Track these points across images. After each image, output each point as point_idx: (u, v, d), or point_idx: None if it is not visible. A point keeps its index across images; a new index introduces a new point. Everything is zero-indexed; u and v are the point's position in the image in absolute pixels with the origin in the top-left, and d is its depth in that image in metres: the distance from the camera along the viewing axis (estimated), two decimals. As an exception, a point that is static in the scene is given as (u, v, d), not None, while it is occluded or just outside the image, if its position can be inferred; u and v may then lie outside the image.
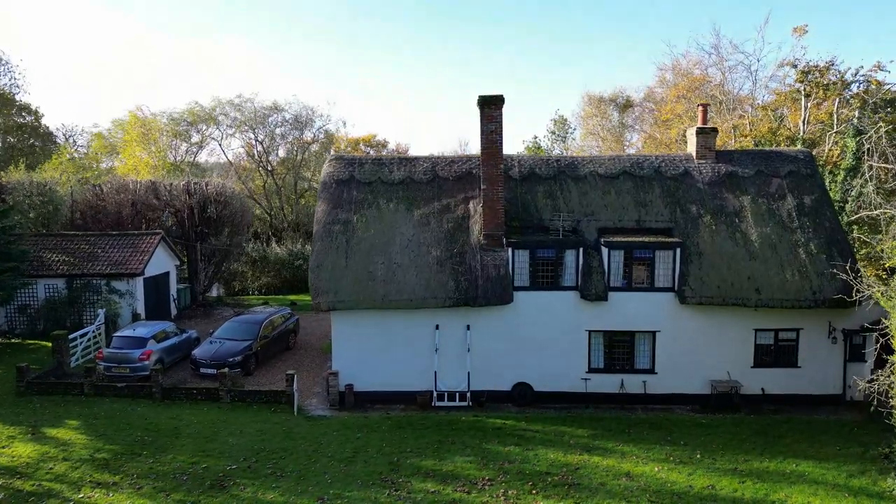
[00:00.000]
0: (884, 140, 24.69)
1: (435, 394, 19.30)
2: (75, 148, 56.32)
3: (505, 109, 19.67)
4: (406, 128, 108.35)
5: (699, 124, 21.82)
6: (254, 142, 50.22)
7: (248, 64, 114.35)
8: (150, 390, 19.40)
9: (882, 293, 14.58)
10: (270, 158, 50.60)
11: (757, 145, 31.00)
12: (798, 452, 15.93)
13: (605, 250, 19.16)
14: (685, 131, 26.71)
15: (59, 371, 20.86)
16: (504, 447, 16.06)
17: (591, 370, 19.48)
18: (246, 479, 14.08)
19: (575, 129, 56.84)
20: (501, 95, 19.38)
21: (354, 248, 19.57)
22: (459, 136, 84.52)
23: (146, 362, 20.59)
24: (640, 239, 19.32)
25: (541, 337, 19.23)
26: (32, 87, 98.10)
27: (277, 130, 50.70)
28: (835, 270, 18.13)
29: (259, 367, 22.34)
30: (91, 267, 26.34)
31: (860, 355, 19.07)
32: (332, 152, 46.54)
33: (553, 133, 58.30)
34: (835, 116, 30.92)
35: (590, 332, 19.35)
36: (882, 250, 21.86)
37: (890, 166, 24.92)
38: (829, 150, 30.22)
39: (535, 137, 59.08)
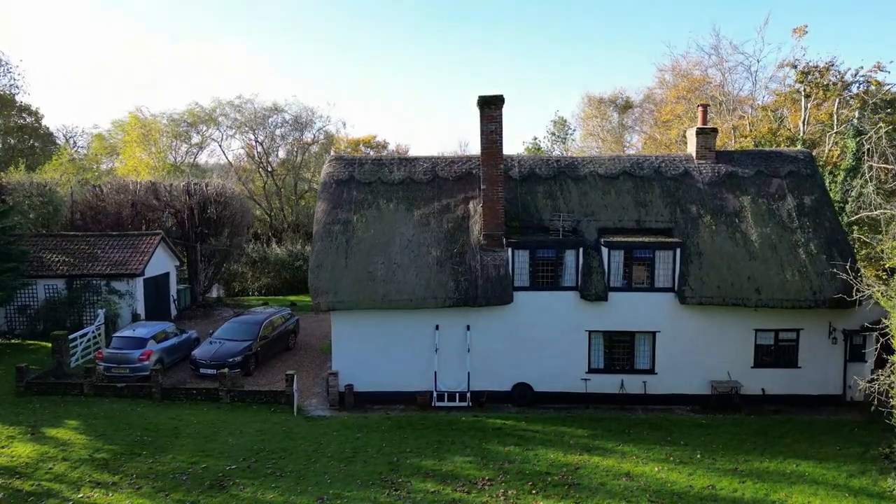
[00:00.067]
0: (884, 140, 24.70)
1: (435, 394, 19.29)
2: (75, 149, 56.37)
3: (505, 111, 19.69)
4: (406, 129, 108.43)
5: (699, 125, 21.83)
6: (254, 143, 50.26)
7: (248, 65, 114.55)
8: (150, 390, 19.39)
9: (882, 293, 14.56)
10: (270, 159, 50.62)
11: (757, 146, 30.99)
12: (798, 452, 15.92)
13: (605, 250, 19.16)
14: (685, 132, 26.72)
15: (58, 371, 20.85)
16: (504, 447, 16.05)
17: (591, 370, 19.47)
18: (245, 479, 14.06)
19: (575, 131, 56.88)
20: (501, 96, 19.39)
21: (354, 249, 19.57)
22: (459, 137, 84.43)
23: (146, 363, 20.58)
24: (640, 239, 19.31)
25: (541, 337, 19.22)
26: (32, 88, 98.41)
27: (277, 131, 50.77)
28: (835, 270, 18.13)
29: (259, 368, 22.33)
30: (91, 267, 26.33)
31: (860, 356, 19.07)
32: (332, 153, 46.57)
33: (553, 134, 58.31)
34: (835, 117, 30.93)
35: (590, 332, 19.34)
36: (882, 251, 21.84)
37: (890, 167, 24.92)
38: (829, 150, 30.22)
39: (535, 138, 59.12)
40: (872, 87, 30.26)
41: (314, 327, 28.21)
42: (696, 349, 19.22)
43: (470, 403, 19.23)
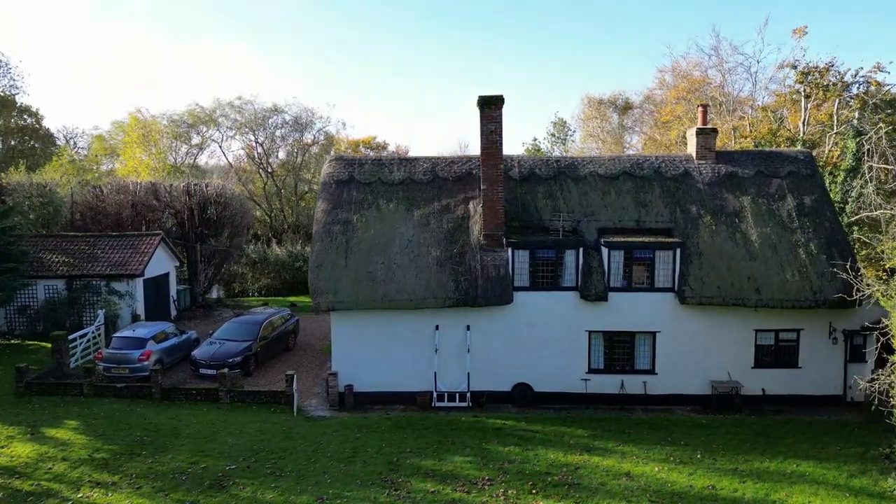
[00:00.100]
0: (884, 141, 24.70)
1: (435, 394, 19.27)
2: (76, 150, 56.41)
3: (505, 112, 19.70)
4: (406, 130, 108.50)
5: (699, 125, 21.83)
6: (254, 144, 50.28)
7: (248, 65, 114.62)
8: (150, 391, 19.37)
9: (882, 292, 14.55)
10: (270, 160, 50.63)
11: (757, 146, 31.01)
12: (799, 453, 15.90)
13: (605, 250, 19.14)
14: (685, 133, 26.72)
15: (58, 372, 20.83)
16: (504, 447, 16.03)
17: (591, 371, 19.45)
18: (245, 479, 14.04)
19: (575, 132, 56.90)
20: (501, 96, 19.39)
21: (354, 249, 19.56)
22: (459, 138, 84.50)
23: (146, 363, 20.57)
24: (640, 239, 19.30)
25: (541, 337, 19.20)
26: (32, 88, 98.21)
27: (277, 132, 50.79)
28: (835, 270, 18.12)
29: (259, 368, 22.32)
30: (91, 268, 26.33)
31: (861, 356, 19.05)
32: (332, 154, 46.55)
33: (553, 135, 58.33)
34: (835, 117, 30.94)
35: (590, 332, 19.32)
36: (882, 251, 21.83)
37: (890, 167, 24.92)
38: (829, 151, 30.23)
39: (535, 140, 59.14)
40: (872, 88, 30.27)
41: (314, 328, 28.20)
42: (697, 349, 19.20)
43: (470, 404, 19.21)
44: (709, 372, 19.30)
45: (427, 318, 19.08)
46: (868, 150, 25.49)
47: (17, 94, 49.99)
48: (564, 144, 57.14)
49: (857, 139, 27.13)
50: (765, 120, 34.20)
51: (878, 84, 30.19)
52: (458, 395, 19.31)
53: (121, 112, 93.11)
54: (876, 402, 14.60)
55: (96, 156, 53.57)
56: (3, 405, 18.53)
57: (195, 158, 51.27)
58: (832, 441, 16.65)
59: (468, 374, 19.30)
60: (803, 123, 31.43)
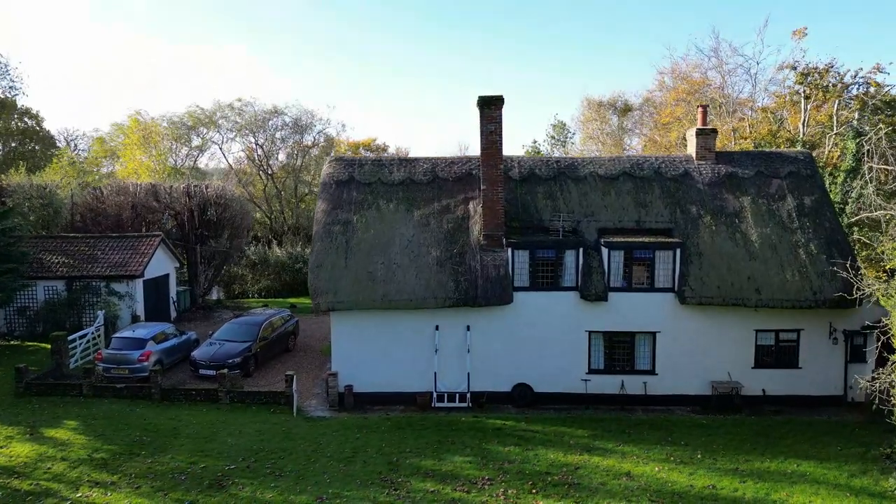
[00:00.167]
0: (883, 142, 24.66)
1: (434, 394, 19.24)
2: (76, 152, 56.45)
3: (505, 115, 19.73)
4: (406, 132, 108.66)
5: (699, 125, 21.83)
6: (254, 146, 50.30)
7: (248, 65, 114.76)
8: (149, 391, 19.35)
9: (882, 291, 14.54)
10: (271, 162, 50.66)
11: (757, 147, 31.01)
12: (799, 453, 15.87)
13: (605, 251, 19.14)
14: (685, 134, 26.73)
15: (57, 372, 20.80)
16: (504, 447, 16.00)
17: (591, 371, 19.43)
18: (244, 479, 14.02)
19: (574, 134, 56.93)
20: (501, 96, 19.40)
21: (354, 249, 19.55)
22: (459, 140, 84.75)
23: (145, 363, 20.54)
24: (640, 239, 19.29)
25: (541, 337, 19.19)
26: (32, 89, 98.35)
27: (277, 134, 50.81)
28: (835, 268, 18.11)
29: (258, 369, 22.29)
30: (91, 269, 26.32)
31: (861, 356, 19.01)
32: (332, 155, 46.55)
33: (553, 138, 58.37)
34: (834, 118, 30.95)
35: (590, 332, 19.30)
36: (882, 252, 21.81)
37: (890, 168, 24.88)
38: (829, 151, 30.24)
39: (535, 142, 59.16)
40: (872, 89, 30.29)
41: (314, 329, 28.18)
42: (697, 349, 19.18)
43: (470, 404, 19.18)
44: (709, 372, 19.27)
45: (427, 318, 19.07)
46: (868, 150, 25.45)
47: (17, 95, 50.06)
48: (564, 147, 57.18)
49: (857, 140, 27.12)
50: (764, 121, 34.22)
51: (878, 85, 30.21)
52: (457, 395, 19.29)
53: (121, 113, 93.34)
54: (876, 402, 14.58)
55: (97, 158, 53.62)
56: (2, 405, 18.51)
57: (195, 160, 51.33)
58: (833, 441, 16.62)
59: (468, 374, 19.27)
60: (803, 124, 31.44)
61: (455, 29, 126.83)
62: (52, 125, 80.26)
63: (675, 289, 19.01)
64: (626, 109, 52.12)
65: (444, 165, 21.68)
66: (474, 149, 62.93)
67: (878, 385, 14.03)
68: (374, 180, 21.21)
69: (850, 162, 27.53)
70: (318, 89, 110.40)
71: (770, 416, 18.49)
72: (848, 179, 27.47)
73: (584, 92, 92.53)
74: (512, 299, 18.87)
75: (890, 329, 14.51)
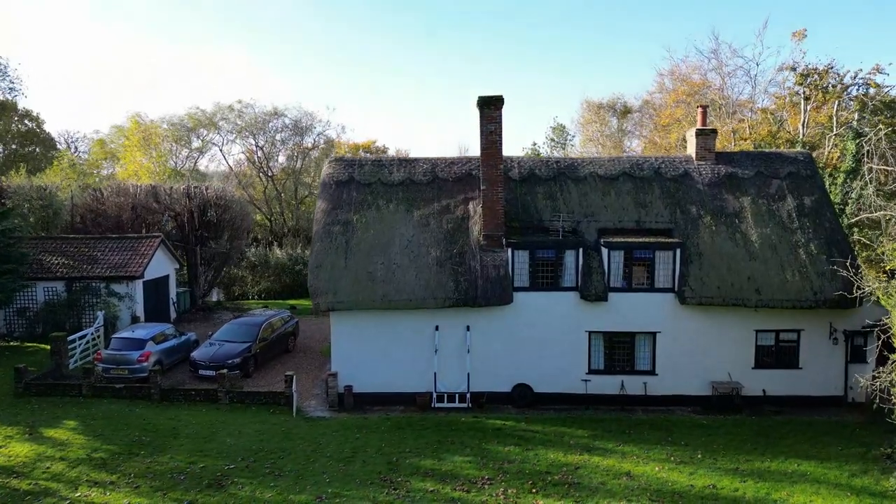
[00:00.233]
0: (883, 142, 24.69)
1: (434, 395, 19.22)
2: (76, 154, 56.51)
3: (504, 118, 19.75)
4: (406, 134, 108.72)
5: (699, 126, 21.84)
6: (254, 147, 50.32)
7: (248, 66, 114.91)
8: (149, 391, 19.33)
9: (883, 290, 14.52)
10: (271, 164, 50.67)
11: (756, 148, 31.03)
12: (800, 453, 15.84)
13: (604, 251, 19.13)
14: (685, 135, 26.74)
15: (57, 373, 20.78)
16: (504, 447, 15.98)
17: (591, 371, 19.40)
18: (244, 479, 13.99)
19: (574, 136, 57.01)
20: (501, 96, 19.41)
21: (354, 249, 19.54)
22: (459, 142, 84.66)
23: (145, 364, 20.52)
24: (640, 239, 19.28)
25: (541, 338, 19.17)
26: (32, 91, 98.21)
27: (278, 136, 50.81)
28: (835, 267, 18.09)
29: (258, 370, 22.27)
30: (90, 270, 26.31)
31: (862, 356, 18.98)
32: (333, 156, 46.52)
33: (552, 140, 58.45)
34: (834, 119, 30.98)
35: (590, 332, 19.28)
36: (882, 253, 21.80)
37: (890, 168, 24.91)
38: (829, 152, 30.26)
39: (535, 144, 59.25)
40: (871, 90, 30.32)
41: (313, 330, 28.17)
42: (697, 350, 19.16)
43: (469, 404, 19.15)
44: (709, 372, 19.25)
45: (427, 318, 19.05)
46: (868, 151, 25.49)
47: (17, 96, 50.12)
48: (564, 149, 57.25)
49: (857, 141, 27.15)
50: (764, 122, 34.26)
51: (878, 86, 30.24)
52: (457, 395, 19.26)
53: (121, 113, 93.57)
54: (877, 401, 14.55)
55: (97, 160, 53.66)
56: (1, 406, 18.48)
57: (195, 162, 51.34)
58: (833, 441, 16.59)
59: (468, 374, 19.25)
60: (803, 125, 31.48)
61: (455, 30, 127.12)
62: (52, 127, 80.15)
63: (675, 289, 18.99)
64: (625, 111, 52.20)
65: (443, 166, 21.69)
66: (474, 151, 62.88)
67: (878, 384, 14.00)
68: (373, 181, 21.22)
69: (850, 163, 27.55)
70: (318, 89, 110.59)
71: (770, 417, 18.46)
72: (848, 180, 27.50)
73: (583, 94, 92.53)
74: (512, 299, 18.86)
75: (890, 328, 14.49)
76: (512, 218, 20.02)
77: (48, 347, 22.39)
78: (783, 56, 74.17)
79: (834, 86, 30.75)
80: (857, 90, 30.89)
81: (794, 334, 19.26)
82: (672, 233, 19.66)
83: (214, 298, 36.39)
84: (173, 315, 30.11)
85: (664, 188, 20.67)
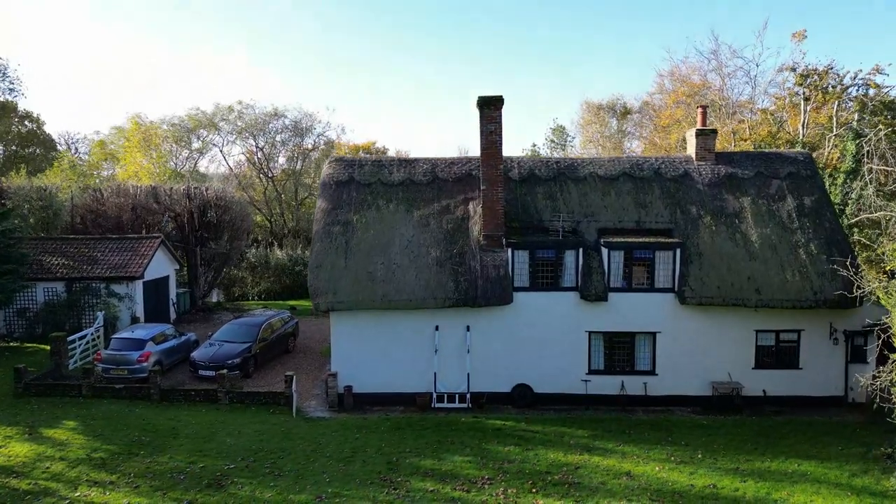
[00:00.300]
0: (883, 143, 24.70)
1: (434, 395, 19.20)
2: (77, 155, 56.54)
3: (504, 119, 19.76)
4: (406, 135, 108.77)
5: (699, 126, 21.84)
6: (254, 148, 50.35)
7: (248, 68, 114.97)
8: (148, 392, 19.32)
9: (883, 289, 14.52)
10: (271, 166, 50.70)
11: (756, 149, 31.04)
12: (800, 453, 15.83)
13: (604, 251, 19.12)
14: (685, 136, 26.75)
15: (57, 373, 20.76)
16: (504, 447, 15.96)
17: (591, 371, 19.39)
18: (243, 478, 13.97)
19: (574, 138, 57.08)
20: (501, 96, 19.42)
21: (354, 249, 19.54)
22: (459, 144, 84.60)
23: (144, 364, 20.51)
24: (640, 239, 19.28)
25: (541, 338, 19.16)
26: (32, 91, 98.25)
27: (278, 137, 50.84)
28: (835, 267, 18.08)
29: (258, 370, 22.26)
30: (90, 270, 26.31)
31: (862, 356, 18.98)
32: (333, 156, 46.49)
33: (552, 142, 58.54)
34: (834, 120, 30.99)
35: (590, 332, 19.27)
36: (883, 253, 21.80)
37: (890, 169, 24.91)
38: (829, 153, 30.26)
39: (534, 146, 59.37)
40: (871, 91, 30.33)
41: (313, 331, 28.16)
42: (697, 350, 19.15)
43: (469, 405, 19.14)
44: (709, 373, 19.23)
45: (427, 318, 19.05)
46: (868, 151, 25.49)
47: (17, 97, 50.11)
48: (564, 150, 57.33)
49: (857, 141, 27.15)
50: (764, 123, 34.26)
51: (877, 86, 30.25)
52: (457, 395, 19.25)
53: (121, 113, 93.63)
54: (877, 401, 14.54)
55: (97, 161, 53.68)
56: (1, 406, 18.46)
57: (196, 163, 51.37)
58: (833, 441, 16.58)
59: (468, 374, 19.24)
60: (803, 126, 31.48)
61: (455, 30, 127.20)
62: (52, 128, 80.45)
63: (676, 289, 18.99)
64: (625, 112, 52.26)
65: (443, 166, 21.69)
66: (474, 152, 62.83)
67: (878, 384, 13.99)
68: (373, 181, 21.22)
69: (850, 163, 27.55)
70: (318, 89, 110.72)
71: (771, 417, 18.45)
72: (848, 181, 27.49)
73: (583, 95, 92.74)
74: (512, 299, 18.85)
75: (890, 327, 14.49)
76: (512, 218, 20.02)
77: (48, 348, 22.37)
78: (783, 57, 74.40)
79: (834, 86, 30.77)
80: (857, 91, 30.92)
81: (794, 334, 19.25)
82: (672, 233, 19.66)
83: (214, 299, 36.38)
84: (173, 316, 30.11)
85: (664, 188, 20.67)
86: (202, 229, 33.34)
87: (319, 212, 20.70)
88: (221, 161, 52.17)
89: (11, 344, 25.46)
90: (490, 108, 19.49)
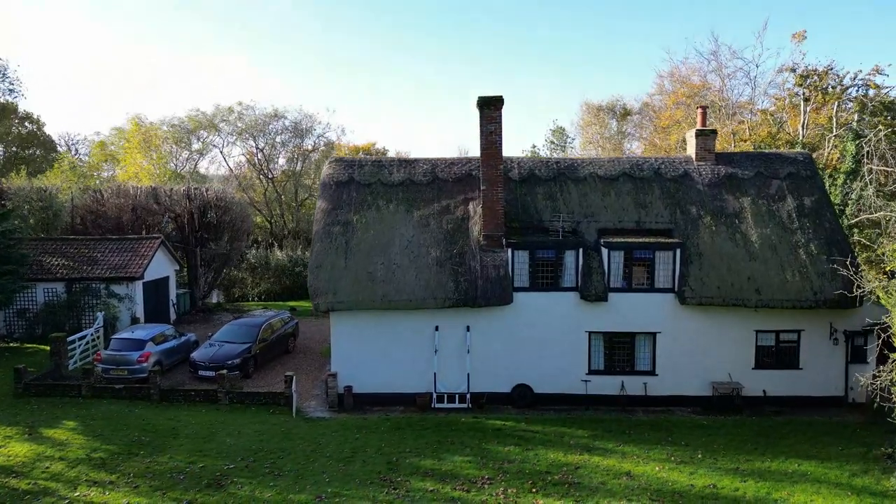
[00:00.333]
0: (883, 143, 24.72)
1: (434, 395, 19.19)
2: (77, 156, 56.55)
3: (504, 120, 19.78)
4: (406, 136, 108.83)
5: (699, 126, 21.85)
6: (255, 150, 50.37)
7: (247, 68, 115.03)
8: (148, 392, 19.31)
9: (883, 288, 14.51)
10: (271, 167, 50.71)
11: (756, 149, 31.04)
12: (800, 453, 15.81)
13: (604, 251, 19.12)
14: (685, 137, 26.76)
15: (56, 373, 20.76)
16: (504, 447, 15.95)
17: (591, 372, 19.38)
18: (243, 478, 13.96)
19: (574, 139, 57.12)
20: (500, 96, 19.43)
21: (354, 249, 19.54)
22: (459, 145, 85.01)
23: (144, 364, 20.50)
24: (640, 240, 19.27)
25: (541, 338, 19.15)
26: (32, 92, 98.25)
27: (278, 138, 50.86)
28: (835, 266, 18.07)
29: (258, 371, 22.25)
30: (90, 271, 26.31)
31: (862, 357, 18.96)
32: (333, 157, 46.47)
33: (552, 143, 58.56)
34: (834, 120, 31.00)
35: (590, 333, 19.26)
36: (883, 254, 21.79)
37: (889, 169, 24.93)
38: (829, 153, 30.27)
39: (534, 147, 59.40)
40: (871, 91, 30.34)
41: (313, 331, 28.15)
42: (697, 350, 19.14)
43: (469, 405, 19.12)
44: (709, 373, 19.22)
45: (427, 318, 19.04)
46: (867, 152, 25.51)
47: (17, 97, 50.14)
48: (564, 152, 57.35)
49: (857, 142, 27.16)
50: (764, 123, 34.28)
51: (877, 86, 30.26)
52: (457, 396, 19.23)
53: (121, 114, 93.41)
54: (877, 400, 14.53)
55: (97, 162, 53.68)
56: (1, 406, 18.45)
57: (196, 164, 51.39)
58: (834, 441, 16.56)
59: (468, 375, 19.22)
60: (802, 127, 31.50)
61: (455, 31, 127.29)
62: (52, 129, 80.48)
63: (676, 289, 18.98)
64: (625, 113, 52.29)
65: (443, 166, 21.70)
66: (474, 153, 62.91)
67: (878, 383, 13.98)
68: (373, 181, 21.23)
69: (850, 164, 27.56)
70: (318, 90, 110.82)
71: (771, 417, 18.43)
72: (848, 181, 27.49)
73: (583, 96, 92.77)
74: (512, 300, 18.85)
75: (890, 327, 14.48)
76: (512, 218, 20.02)
77: (48, 348, 22.37)
78: (783, 57, 74.41)
79: (833, 87, 30.78)
80: (857, 91, 30.93)
81: (794, 334, 19.24)
82: (672, 233, 19.66)
83: (214, 300, 36.36)
84: (173, 316, 30.10)
85: (664, 188, 20.67)
86: (202, 230, 33.34)
87: (319, 212, 20.70)
88: (221, 162, 52.23)
89: (11, 344, 25.46)
90: (490, 108, 19.50)
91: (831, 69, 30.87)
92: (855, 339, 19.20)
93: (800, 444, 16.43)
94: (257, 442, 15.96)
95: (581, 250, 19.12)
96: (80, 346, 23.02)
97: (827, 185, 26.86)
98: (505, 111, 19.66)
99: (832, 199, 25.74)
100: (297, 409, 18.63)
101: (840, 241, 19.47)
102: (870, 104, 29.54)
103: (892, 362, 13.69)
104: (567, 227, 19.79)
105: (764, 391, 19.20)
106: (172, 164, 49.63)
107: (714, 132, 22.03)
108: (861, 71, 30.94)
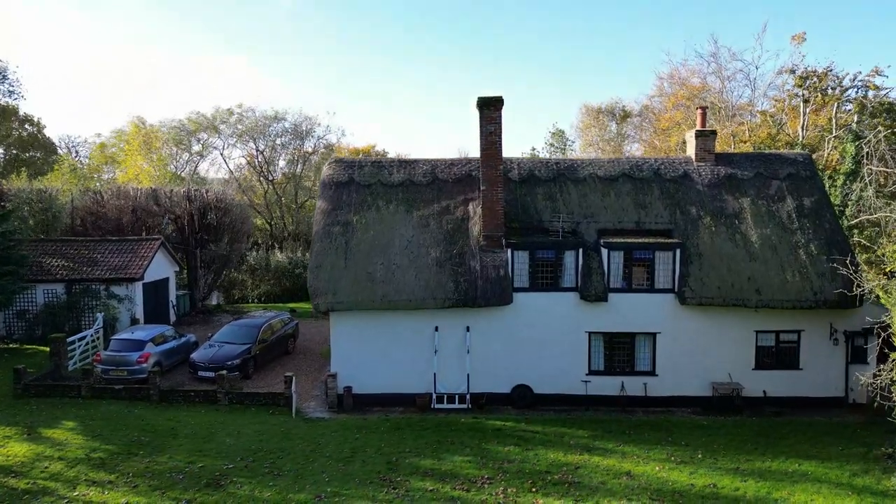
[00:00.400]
0: (882, 144, 24.75)
1: (434, 396, 19.17)
2: (77, 159, 56.57)
3: (504, 122, 19.81)
4: (406, 138, 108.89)
5: (698, 127, 21.86)
6: (255, 152, 50.41)
7: (248, 69, 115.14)
8: (148, 392, 19.29)
9: (882, 287, 14.51)
10: (271, 169, 50.74)
11: (756, 150, 31.08)
12: (800, 452, 15.79)
13: (604, 251, 19.12)
14: (684, 139, 26.77)
15: (56, 374, 20.74)
16: (503, 447, 15.93)
17: (591, 372, 19.36)
18: (242, 478, 13.94)
19: (574, 142, 57.16)
20: (500, 97, 19.45)
21: (354, 250, 19.54)
22: (459, 147, 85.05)
23: (144, 365, 20.48)
24: (640, 240, 19.27)
25: (540, 338, 19.14)
26: (32, 93, 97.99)
27: (278, 140, 50.90)
28: (835, 265, 18.06)
29: (258, 371, 22.23)
30: (90, 272, 26.30)
31: (862, 357, 18.94)
32: (333, 157, 46.48)
33: (552, 145, 58.59)
34: (833, 121, 31.03)
35: (590, 333, 19.25)
36: (883, 254, 21.80)
37: (889, 170, 24.96)
38: (829, 154, 30.29)
39: (534, 149, 59.40)
40: (871, 93, 30.38)
41: (313, 332, 28.13)
42: (697, 350, 19.12)
43: (469, 405, 19.10)
44: (709, 373, 19.20)
45: (426, 318, 19.03)
46: (867, 153, 25.54)
47: (17, 100, 50.18)
48: (564, 154, 57.36)
49: (856, 143, 27.18)
50: (764, 125, 34.31)
51: (877, 88, 30.30)
52: (457, 396, 19.21)
53: (121, 115, 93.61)
54: (878, 400, 14.52)
55: (98, 164, 53.70)
56: (0, 407, 18.43)
57: (196, 166, 51.42)
58: (834, 441, 16.54)
59: (468, 375, 19.21)
60: (802, 128, 31.53)
61: (455, 34, 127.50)
62: (52, 131, 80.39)
63: (675, 289, 18.98)
64: (624, 116, 52.37)
65: (443, 167, 21.71)
66: (474, 154, 62.86)
67: (879, 382, 13.97)
68: (373, 182, 21.24)
69: (850, 165, 27.58)
70: (317, 91, 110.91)
71: (771, 418, 18.41)
72: (847, 182, 27.52)
73: (582, 99, 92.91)
74: (511, 300, 18.84)
75: (890, 326, 14.47)
76: (512, 219, 20.02)
77: (47, 349, 22.35)
78: (782, 59, 74.46)
79: (833, 88, 30.82)
80: (856, 93, 30.96)
81: (794, 335, 19.23)
82: (672, 233, 19.66)
83: (214, 301, 36.34)
84: (173, 318, 30.08)
85: (664, 189, 20.68)
86: (202, 231, 33.34)
87: (319, 212, 20.71)
88: (222, 164, 52.24)
89: (11, 345, 25.44)
90: (490, 108, 19.52)
91: (831, 71, 30.92)
92: (855, 340, 19.19)
93: (800, 443, 16.41)
94: (257, 442, 15.95)
95: (581, 251, 19.12)
96: (79, 346, 23.00)
97: (827, 186, 26.88)
98: (505, 117, 19.72)
99: (832, 200, 25.76)
100: (296, 410, 18.61)
101: (840, 241, 19.46)
102: (869, 105, 29.58)
103: (893, 361, 13.68)
104: (567, 228, 19.80)
105: (764, 391, 19.18)
106: (172, 166, 49.67)
107: (714, 133, 22.05)
108: (860, 72, 31.02)
